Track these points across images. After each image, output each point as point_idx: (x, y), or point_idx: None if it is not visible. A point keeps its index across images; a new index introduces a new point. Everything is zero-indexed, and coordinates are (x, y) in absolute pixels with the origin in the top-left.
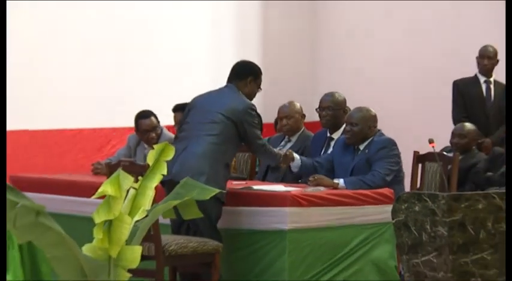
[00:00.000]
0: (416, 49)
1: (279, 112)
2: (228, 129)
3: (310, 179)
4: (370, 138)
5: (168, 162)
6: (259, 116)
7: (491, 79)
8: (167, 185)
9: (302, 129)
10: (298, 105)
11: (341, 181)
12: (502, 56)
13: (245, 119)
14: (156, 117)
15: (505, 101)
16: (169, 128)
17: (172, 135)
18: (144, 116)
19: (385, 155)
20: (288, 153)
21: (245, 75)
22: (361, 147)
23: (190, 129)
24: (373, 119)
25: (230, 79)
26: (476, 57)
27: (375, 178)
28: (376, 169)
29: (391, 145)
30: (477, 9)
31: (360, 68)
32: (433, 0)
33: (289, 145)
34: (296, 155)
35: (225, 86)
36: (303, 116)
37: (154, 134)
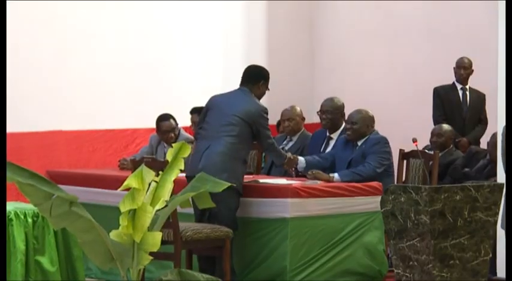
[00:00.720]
0: (406, 61)
1: (281, 115)
2: (244, 130)
3: (308, 173)
4: (367, 136)
5: (193, 159)
6: None
7: (467, 87)
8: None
9: (302, 130)
10: (298, 109)
11: (336, 175)
12: (502, 56)
13: (258, 121)
14: (174, 120)
15: (479, 105)
16: (186, 128)
17: (189, 136)
18: (164, 118)
19: (378, 150)
20: (292, 157)
21: (258, 79)
22: (359, 143)
23: (211, 129)
24: (371, 119)
25: (243, 82)
26: (454, 68)
27: (366, 168)
28: (368, 161)
29: (383, 142)
30: (470, 15)
31: (353, 77)
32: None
33: (290, 143)
34: (301, 158)
35: (239, 89)
36: (303, 118)
37: (172, 135)
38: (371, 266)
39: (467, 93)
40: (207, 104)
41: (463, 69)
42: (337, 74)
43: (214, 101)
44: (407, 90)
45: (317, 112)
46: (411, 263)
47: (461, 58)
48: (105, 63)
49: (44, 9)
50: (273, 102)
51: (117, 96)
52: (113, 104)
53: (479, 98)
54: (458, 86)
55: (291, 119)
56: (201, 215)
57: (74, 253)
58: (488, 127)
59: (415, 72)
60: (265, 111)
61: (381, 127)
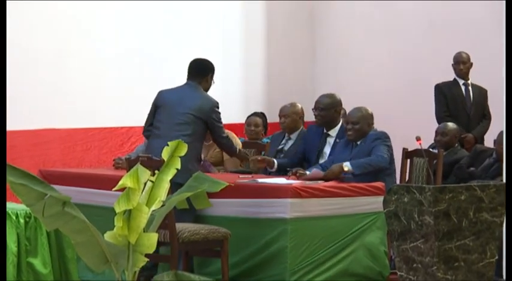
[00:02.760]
0: (409, 56)
1: (280, 111)
2: (198, 127)
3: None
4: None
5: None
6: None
7: (469, 82)
8: None
9: (301, 129)
10: (299, 107)
11: (348, 164)
12: (502, 56)
13: (211, 116)
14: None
15: (482, 100)
16: None
17: None
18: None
19: (381, 143)
20: (259, 158)
21: (206, 72)
22: (358, 142)
23: (165, 128)
24: (371, 117)
25: (191, 76)
26: (452, 64)
27: (378, 158)
28: (377, 152)
29: (384, 136)
30: (473, 12)
31: (355, 73)
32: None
33: (290, 142)
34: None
35: (187, 84)
36: (301, 117)
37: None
38: (372, 267)
39: (470, 88)
40: (155, 101)
41: (462, 64)
42: (338, 70)
43: (164, 97)
44: (410, 86)
45: (312, 109)
46: (415, 265)
47: (459, 53)
48: (99, 61)
49: (39, 8)
50: (273, 100)
51: (112, 94)
52: (107, 101)
53: (481, 93)
54: (460, 82)
55: (287, 116)
56: None
57: (67, 254)
58: (491, 123)
59: (418, 67)
60: (217, 105)
61: (384, 125)
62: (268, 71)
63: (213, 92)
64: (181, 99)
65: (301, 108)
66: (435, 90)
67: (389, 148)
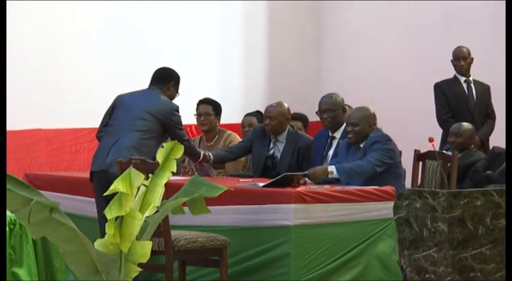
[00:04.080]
0: (420, 49)
1: (265, 111)
2: (155, 126)
3: (306, 172)
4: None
5: (99, 154)
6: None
7: (471, 78)
8: (98, 175)
9: (287, 129)
10: (285, 107)
11: (333, 168)
12: (502, 56)
13: (171, 119)
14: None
15: (486, 98)
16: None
17: None
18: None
19: (378, 148)
20: (206, 154)
21: (168, 80)
22: (361, 145)
23: (120, 125)
24: (373, 117)
25: (153, 83)
26: (452, 60)
27: (364, 164)
28: (367, 157)
29: (385, 139)
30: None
31: (363, 68)
32: (437, 0)
33: (280, 146)
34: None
35: (149, 88)
36: (288, 119)
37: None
38: (384, 278)
39: (472, 85)
40: (113, 103)
41: (463, 59)
42: (345, 65)
43: (122, 99)
44: (423, 83)
45: (316, 112)
46: (427, 275)
47: (459, 48)
48: (89, 58)
49: (29, 7)
50: (276, 97)
51: (103, 92)
52: (98, 100)
53: (485, 90)
54: (461, 79)
55: (273, 118)
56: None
57: (54, 264)
58: (496, 121)
59: (431, 62)
60: (177, 109)
61: (394, 125)
62: (270, 65)
63: (211, 90)
64: (140, 100)
65: (288, 108)
66: (434, 89)
67: (390, 151)
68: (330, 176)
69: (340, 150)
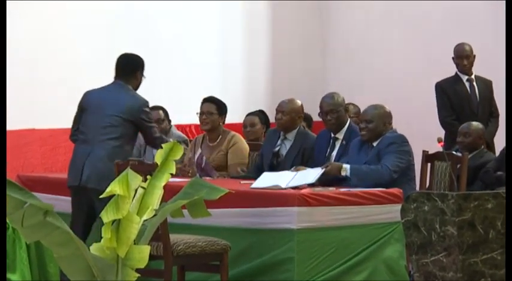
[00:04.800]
0: (428, 48)
1: (278, 106)
2: (127, 130)
3: (323, 168)
4: (383, 135)
5: (73, 168)
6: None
7: (473, 76)
8: (74, 190)
9: (298, 128)
10: (299, 104)
11: (348, 167)
12: (502, 55)
13: (141, 117)
14: (165, 112)
15: (489, 95)
16: (182, 126)
17: (181, 134)
18: (152, 108)
19: (394, 150)
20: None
21: (135, 69)
22: (374, 144)
23: (91, 133)
24: (388, 115)
25: (119, 74)
26: (453, 58)
27: (382, 169)
28: (385, 163)
29: (401, 140)
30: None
31: (370, 67)
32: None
33: (287, 143)
34: None
35: (115, 83)
36: (300, 116)
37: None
38: None
39: (475, 84)
40: (81, 103)
41: (465, 58)
42: (351, 64)
43: (90, 99)
44: (431, 82)
45: (318, 114)
46: None
47: (461, 45)
48: (86, 58)
49: (23, 6)
50: (279, 97)
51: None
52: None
53: (487, 87)
54: (464, 78)
55: (285, 113)
56: (86, 219)
57: (49, 269)
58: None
59: (440, 61)
60: (146, 105)
61: (401, 125)
62: (272, 64)
63: (211, 90)
64: (108, 101)
65: (301, 105)
66: (436, 89)
67: (406, 153)
68: (342, 173)
69: (352, 149)
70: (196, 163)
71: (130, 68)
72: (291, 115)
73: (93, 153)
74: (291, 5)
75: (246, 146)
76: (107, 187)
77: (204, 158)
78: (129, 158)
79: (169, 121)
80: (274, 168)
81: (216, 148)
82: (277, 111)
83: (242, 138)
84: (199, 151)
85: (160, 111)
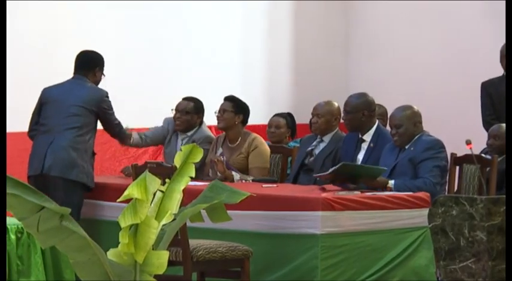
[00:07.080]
0: (455, 47)
1: (313, 109)
2: (89, 119)
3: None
4: (417, 136)
5: (35, 157)
6: None
7: None
8: (35, 179)
9: (335, 131)
10: (335, 106)
11: (392, 183)
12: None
13: (102, 106)
14: (196, 104)
15: None
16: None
17: (209, 134)
18: (185, 98)
19: (431, 157)
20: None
21: (93, 65)
22: (407, 146)
23: (52, 123)
24: (417, 115)
25: (78, 70)
26: (500, 57)
27: (426, 186)
28: (426, 175)
29: (438, 146)
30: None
31: (394, 70)
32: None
33: (322, 145)
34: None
35: (74, 78)
36: (337, 118)
37: (182, 117)
38: None
39: None
40: (40, 98)
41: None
42: (375, 63)
43: (49, 94)
44: (461, 82)
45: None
46: None
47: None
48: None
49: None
50: (302, 97)
51: (116, 92)
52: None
53: (505, 92)
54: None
55: (321, 116)
56: None
57: (65, 275)
58: None
59: (471, 60)
60: (106, 95)
61: (429, 127)
62: (295, 64)
63: (232, 90)
64: (68, 92)
65: (338, 107)
66: (481, 89)
67: (443, 160)
68: (388, 187)
69: (384, 154)
70: None
71: (87, 64)
72: (326, 118)
73: (55, 142)
74: (314, 4)
75: (267, 149)
76: (70, 176)
77: (225, 158)
78: (90, 148)
79: (198, 113)
80: (303, 167)
81: (236, 149)
82: (313, 114)
83: (263, 141)
84: (220, 150)
85: (191, 103)
